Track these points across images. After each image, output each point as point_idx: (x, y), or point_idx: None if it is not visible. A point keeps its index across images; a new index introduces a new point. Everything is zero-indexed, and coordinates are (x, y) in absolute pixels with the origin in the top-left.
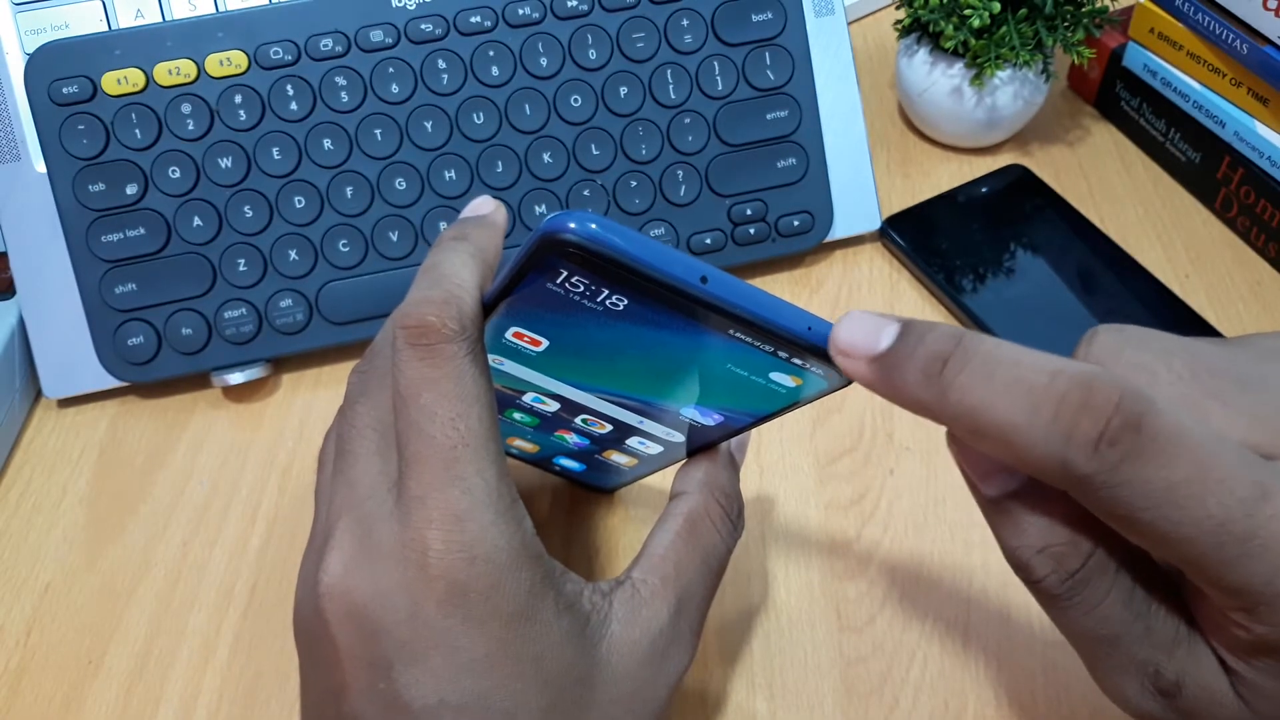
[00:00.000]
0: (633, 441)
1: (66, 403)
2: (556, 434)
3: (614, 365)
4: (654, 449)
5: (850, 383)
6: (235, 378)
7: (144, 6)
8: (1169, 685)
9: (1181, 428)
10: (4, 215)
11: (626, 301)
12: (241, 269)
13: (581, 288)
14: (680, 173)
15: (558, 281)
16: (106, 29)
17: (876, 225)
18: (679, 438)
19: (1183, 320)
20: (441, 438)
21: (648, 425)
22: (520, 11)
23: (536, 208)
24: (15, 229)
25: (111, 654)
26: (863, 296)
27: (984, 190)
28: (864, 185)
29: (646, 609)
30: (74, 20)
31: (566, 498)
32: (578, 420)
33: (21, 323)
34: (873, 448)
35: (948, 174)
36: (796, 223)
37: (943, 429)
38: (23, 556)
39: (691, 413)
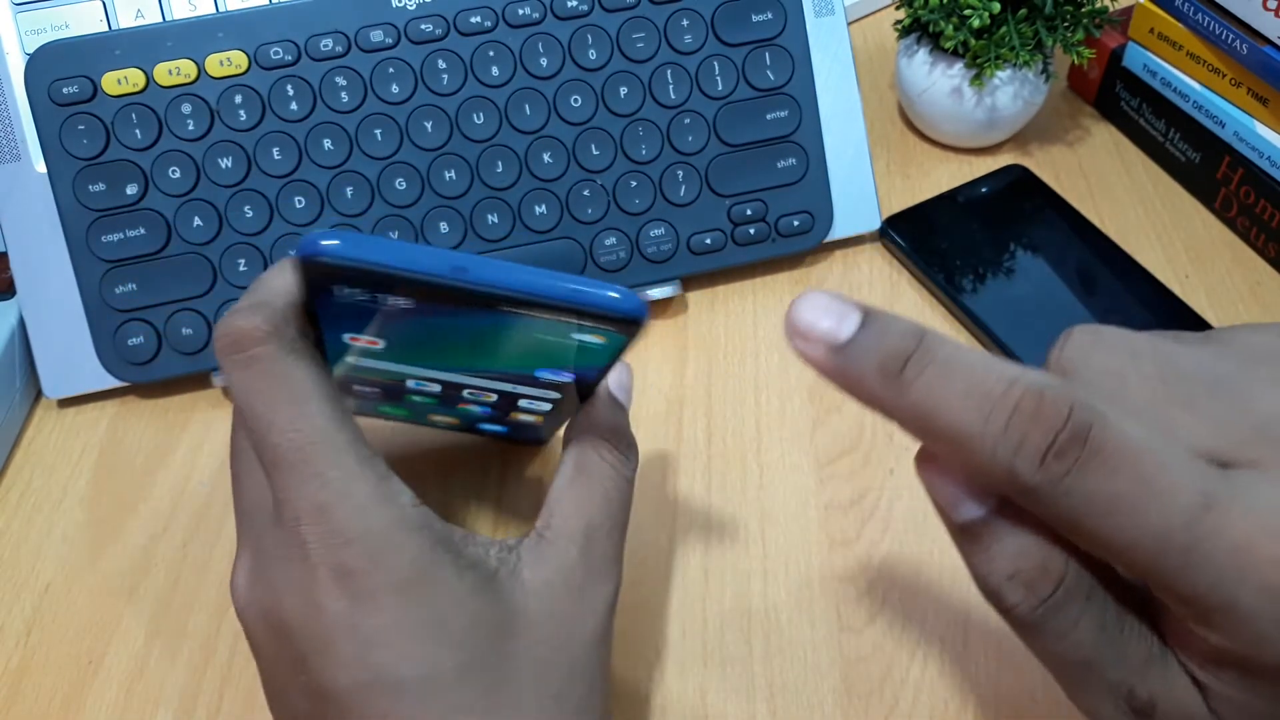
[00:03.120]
0: (524, 404)
1: (66, 403)
2: (459, 406)
3: (444, 350)
4: (546, 405)
5: (642, 323)
6: None
7: (144, 6)
8: (1143, 705)
9: (1128, 439)
10: (4, 215)
11: (407, 300)
12: (242, 269)
13: (363, 295)
14: (680, 173)
15: (342, 294)
16: (106, 29)
17: (876, 225)
18: (557, 395)
19: (1182, 320)
20: (286, 443)
21: (522, 389)
22: (520, 12)
23: (537, 208)
24: (15, 229)
25: (111, 654)
26: (863, 296)
27: (984, 190)
28: (864, 185)
29: (551, 549)
30: (74, 20)
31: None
32: (465, 394)
33: (21, 323)
34: (873, 448)
35: (948, 174)
36: (796, 223)
37: None
38: (23, 556)
39: (546, 375)
